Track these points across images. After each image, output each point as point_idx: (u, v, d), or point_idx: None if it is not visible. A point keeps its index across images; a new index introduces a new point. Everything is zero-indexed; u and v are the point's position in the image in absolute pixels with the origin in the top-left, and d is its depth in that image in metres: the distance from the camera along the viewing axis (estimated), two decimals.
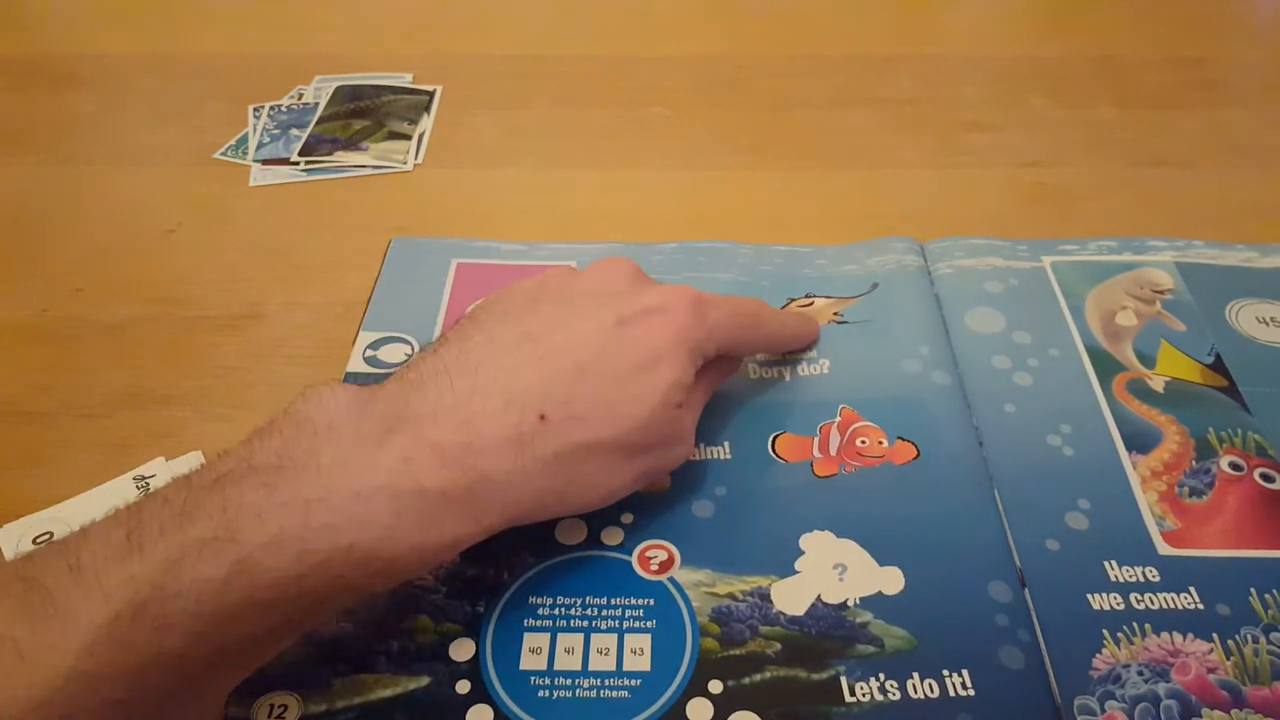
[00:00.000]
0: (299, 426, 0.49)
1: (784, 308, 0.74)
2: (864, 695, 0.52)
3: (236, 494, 0.45)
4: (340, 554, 0.45)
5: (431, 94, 1.00)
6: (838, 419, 0.66)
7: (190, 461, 0.64)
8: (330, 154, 0.92)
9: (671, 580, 0.57)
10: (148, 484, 0.63)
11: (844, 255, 0.79)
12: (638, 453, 0.55)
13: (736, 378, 0.69)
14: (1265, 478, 0.62)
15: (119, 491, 0.63)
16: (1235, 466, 0.63)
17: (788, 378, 0.69)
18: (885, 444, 0.64)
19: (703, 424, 0.63)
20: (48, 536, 0.60)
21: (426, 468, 0.48)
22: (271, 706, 0.52)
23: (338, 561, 0.45)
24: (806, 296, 0.75)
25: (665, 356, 0.55)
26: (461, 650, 0.54)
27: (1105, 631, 0.54)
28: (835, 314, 0.73)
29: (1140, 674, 0.52)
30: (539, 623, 0.55)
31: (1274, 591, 0.56)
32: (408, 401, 0.51)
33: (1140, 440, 0.64)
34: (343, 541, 0.45)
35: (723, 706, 0.52)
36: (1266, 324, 0.72)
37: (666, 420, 0.55)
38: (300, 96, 1.00)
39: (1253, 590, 0.56)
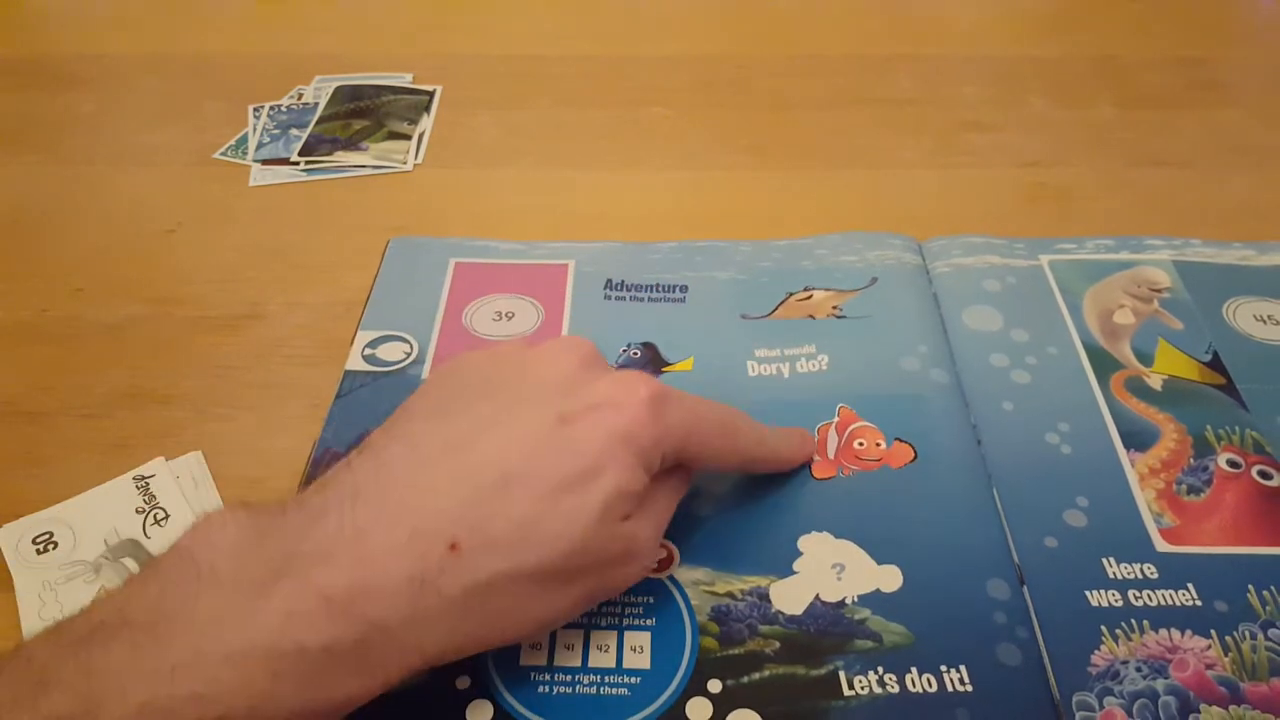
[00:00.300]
0: (182, 568, 0.44)
1: (783, 302, 0.74)
2: (862, 688, 0.52)
3: (103, 657, 0.41)
4: None
5: (431, 94, 1.00)
6: (836, 419, 0.66)
7: (190, 462, 0.65)
8: (330, 154, 0.92)
9: (671, 579, 0.57)
10: (147, 484, 0.63)
11: (843, 245, 0.79)
12: (574, 577, 0.49)
13: (734, 373, 0.69)
14: (1263, 475, 0.62)
15: (119, 491, 0.63)
16: (1233, 464, 0.63)
17: (786, 375, 0.69)
18: (883, 446, 0.64)
19: None
20: (47, 536, 0.60)
21: (311, 621, 0.43)
22: None
23: None
24: (805, 290, 0.75)
25: (608, 462, 0.49)
26: None
27: (1103, 628, 0.54)
28: (834, 308, 0.73)
29: (1138, 670, 0.52)
30: None
31: (1272, 588, 0.56)
32: (303, 536, 0.45)
33: (1138, 438, 0.64)
34: (212, 713, 0.40)
35: (722, 705, 0.52)
36: (1264, 322, 0.72)
37: (607, 538, 0.49)
38: (300, 96, 1.00)
39: (1250, 587, 0.56)
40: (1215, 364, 0.69)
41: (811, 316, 0.73)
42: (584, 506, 0.48)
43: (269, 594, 0.43)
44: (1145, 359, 0.69)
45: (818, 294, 0.75)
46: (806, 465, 0.63)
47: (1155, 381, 0.68)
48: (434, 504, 0.47)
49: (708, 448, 0.56)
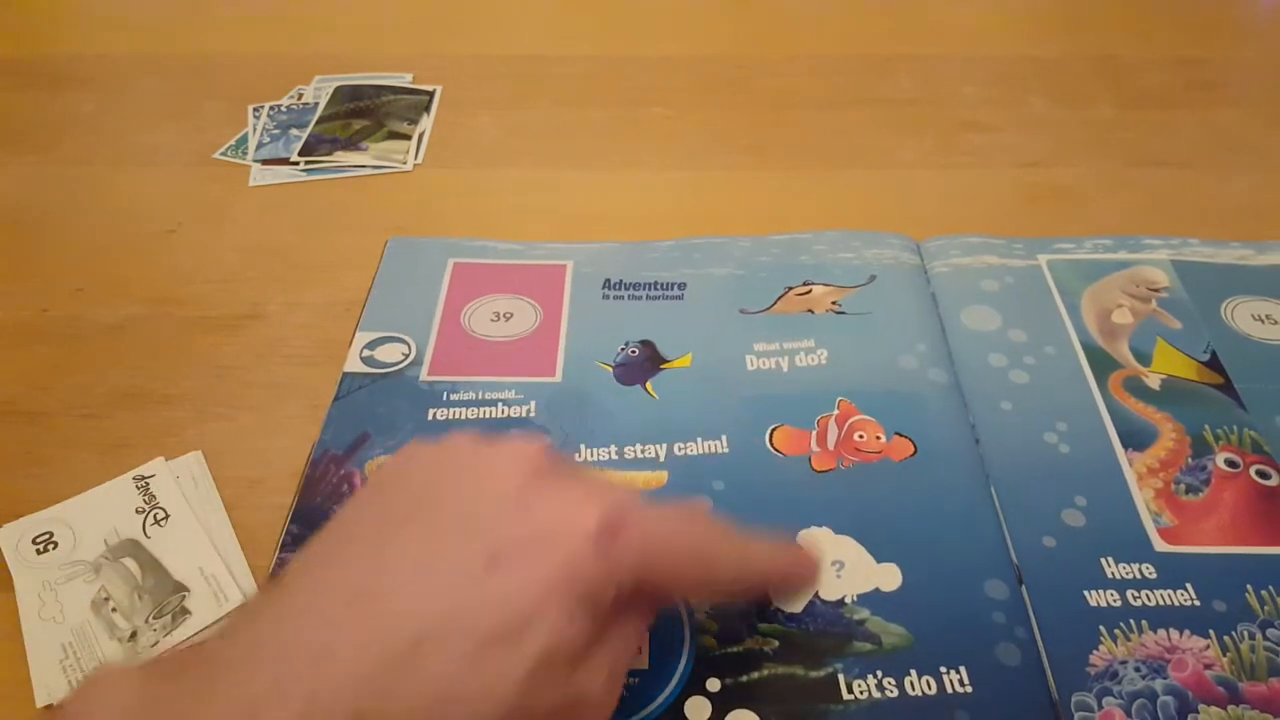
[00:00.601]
0: None
1: (783, 296, 0.75)
2: (861, 692, 0.52)
3: None
4: None
5: (431, 94, 1.00)
6: (836, 411, 0.66)
7: (190, 462, 0.65)
8: (330, 154, 0.92)
9: None
10: (147, 484, 0.63)
11: (841, 242, 0.79)
12: None
13: (733, 368, 0.69)
14: (1261, 474, 0.62)
15: (119, 491, 0.63)
16: (1231, 463, 0.63)
17: (785, 368, 0.69)
18: (883, 439, 0.64)
19: (702, 416, 0.63)
20: (47, 536, 0.60)
21: None
22: None
23: None
24: (805, 284, 0.75)
25: (542, 611, 0.42)
26: None
27: (1102, 628, 0.54)
28: (833, 303, 0.74)
29: (1137, 670, 0.53)
30: None
31: (1270, 588, 0.56)
32: (193, 710, 0.39)
33: (1136, 437, 0.64)
34: None
35: (721, 704, 0.52)
36: (1262, 321, 0.72)
37: (547, 698, 0.42)
38: (300, 96, 1.00)
39: (1249, 587, 0.56)
40: (1213, 363, 0.69)
41: (811, 311, 0.73)
42: (511, 667, 0.41)
43: None
44: (1143, 358, 0.69)
45: (817, 289, 0.75)
46: (806, 456, 0.64)
47: (1153, 381, 0.68)
48: (334, 674, 0.40)
49: (676, 579, 0.50)
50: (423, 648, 0.40)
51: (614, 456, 0.64)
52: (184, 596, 0.57)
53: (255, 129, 0.95)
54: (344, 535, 0.47)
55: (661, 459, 0.64)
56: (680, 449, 0.64)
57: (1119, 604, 0.55)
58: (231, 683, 0.40)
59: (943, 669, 0.53)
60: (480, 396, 0.68)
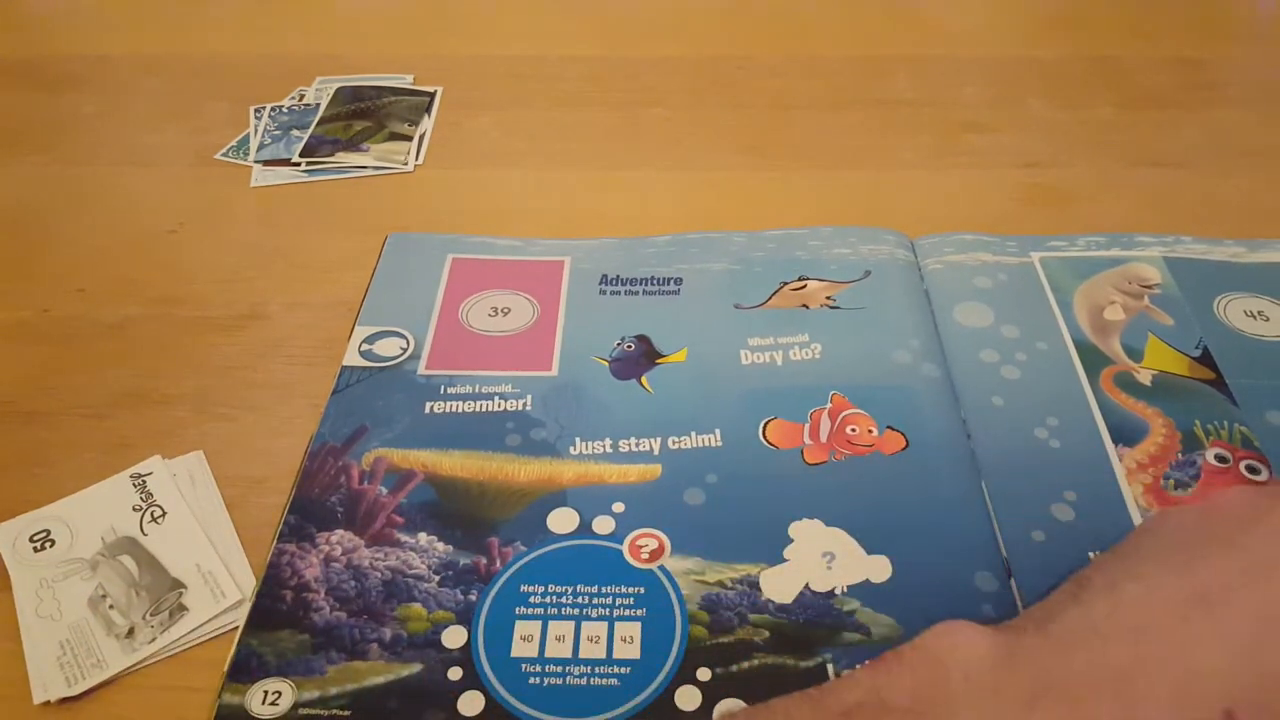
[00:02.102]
0: (932, 669, 0.44)
1: (778, 291, 0.75)
2: None
3: None
4: None
5: (432, 95, 1.01)
6: (829, 405, 0.66)
7: (188, 460, 0.65)
8: (331, 155, 0.92)
9: (661, 569, 0.58)
10: (144, 481, 0.64)
11: (836, 238, 0.80)
12: None
13: (727, 362, 0.70)
14: (1251, 469, 0.62)
15: (116, 489, 0.63)
16: (1221, 459, 0.63)
17: (780, 362, 0.70)
18: (875, 433, 0.64)
19: (696, 411, 0.65)
20: (44, 534, 0.61)
21: None
22: (265, 693, 0.52)
23: None
24: (800, 279, 0.76)
25: None
26: (453, 638, 0.55)
27: None
28: (828, 298, 0.74)
29: None
30: (530, 611, 0.56)
31: None
32: (1055, 664, 0.43)
33: (1127, 433, 0.65)
34: None
35: (711, 694, 0.52)
36: (1254, 317, 0.72)
37: None
38: (301, 97, 1.00)
39: None
40: (1205, 359, 0.69)
41: (805, 306, 0.74)
42: None
43: (1030, 711, 0.42)
44: (1135, 354, 0.70)
45: (812, 283, 0.75)
46: (799, 449, 0.64)
47: (1144, 377, 0.68)
48: (1196, 663, 0.42)
49: None
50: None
51: (609, 450, 0.64)
52: (181, 593, 0.57)
53: (257, 130, 0.96)
54: (1138, 555, 0.49)
55: (656, 452, 0.64)
56: (674, 443, 0.65)
57: None
58: (1088, 652, 0.43)
59: None
60: (477, 390, 0.69)
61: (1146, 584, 0.45)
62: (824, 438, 0.64)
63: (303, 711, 0.52)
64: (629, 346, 0.71)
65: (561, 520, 0.61)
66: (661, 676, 0.53)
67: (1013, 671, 0.43)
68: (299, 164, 0.91)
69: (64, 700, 0.53)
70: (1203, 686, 0.41)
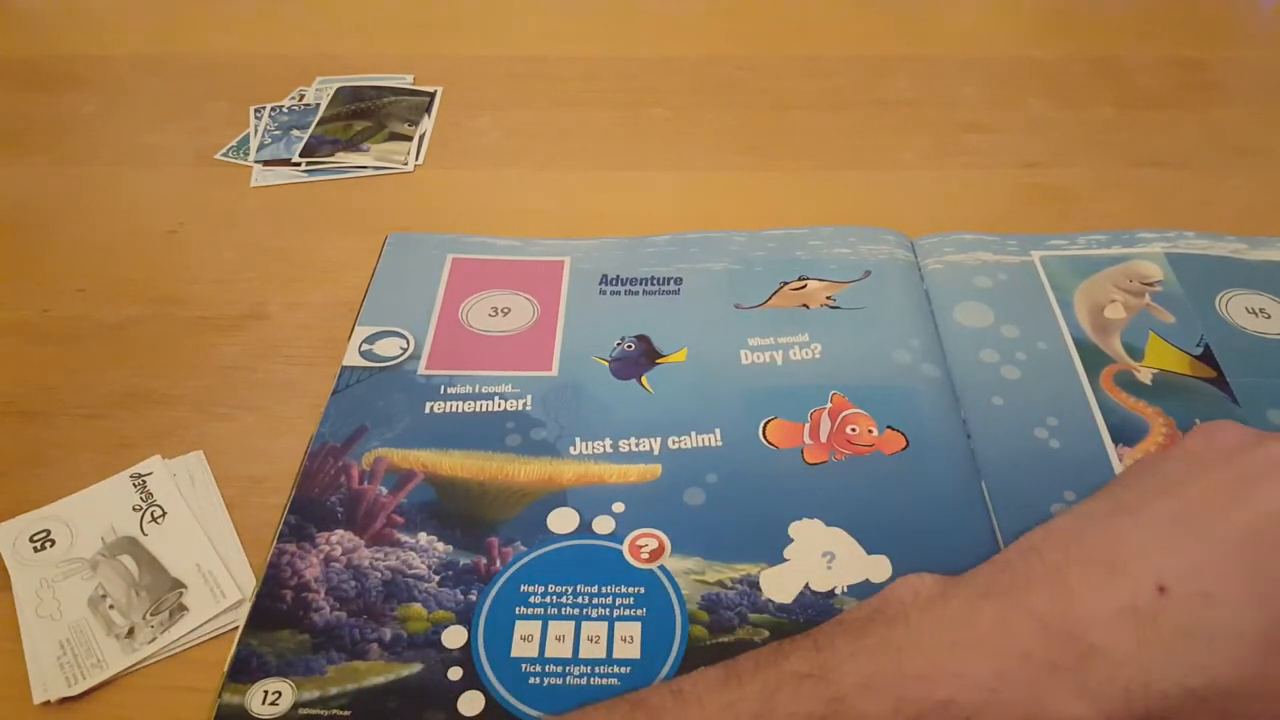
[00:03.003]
0: (885, 599, 0.48)
1: (778, 291, 0.75)
2: None
3: (826, 637, 0.46)
4: (937, 710, 0.43)
5: (432, 95, 1.01)
6: (829, 405, 0.66)
7: (188, 460, 0.65)
8: (331, 155, 0.92)
9: (662, 568, 0.58)
10: (144, 481, 0.64)
11: (836, 237, 0.80)
12: None
13: (728, 362, 0.70)
14: None
15: (116, 489, 0.63)
16: None
17: (780, 362, 0.70)
18: (875, 433, 0.64)
19: (696, 410, 0.65)
20: (44, 534, 0.61)
21: (1028, 633, 0.44)
22: (265, 693, 0.52)
23: (934, 718, 0.43)
24: (800, 279, 0.76)
25: None
26: (453, 638, 0.55)
27: None
28: (828, 298, 0.74)
29: None
30: (530, 611, 0.56)
31: None
32: (997, 573, 0.47)
33: (1127, 432, 0.65)
34: (939, 695, 0.43)
35: None
36: (1256, 314, 0.72)
37: None
38: (301, 97, 1.00)
39: None
40: (1206, 357, 0.69)
41: (805, 306, 0.74)
42: None
43: (978, 609, 0.45)
44: (1135, 353, 0.70)
45: (812, 283, 0.75)
46: (799, 449, 0.64)
47: (1145, 376, 0.68)
48: (1123, 549, 0.46)
49: None
50: (1204, 540, 0.45)
51: (608, 450, 0.64)
52: (181, 593, 0.57)
53: (257, 130, 0.96)
54: (1126, 478, 0.53)
55: (656, 452, 0.64)
56: (675, 442, 0.65)
57: None
58: (1024, 563, 0.47)
59: None
60: (477, 390, 0.69)
61: (1073, 512, 0.50)
62: (824, 438, 0.64)
63: (303, 711, 0.52)
64: (629, 346, 0.71)
65: (561, 520, 0.61)
66: (661, 676, 0.53)
67: (958, 587, 0.47)
68: (299, 164, 0.91)
69: (64, 700, 0.53)
70: (1131, 566, 0.45)
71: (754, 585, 0.57)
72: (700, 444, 0.65)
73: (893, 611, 0.47)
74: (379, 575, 0.58)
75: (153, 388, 0.71)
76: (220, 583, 0.58)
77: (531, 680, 0.53)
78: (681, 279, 0.77)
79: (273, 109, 0.99)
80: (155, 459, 0.65)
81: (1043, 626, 0.44)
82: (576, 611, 0.56)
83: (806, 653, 0.45)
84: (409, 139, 0.95)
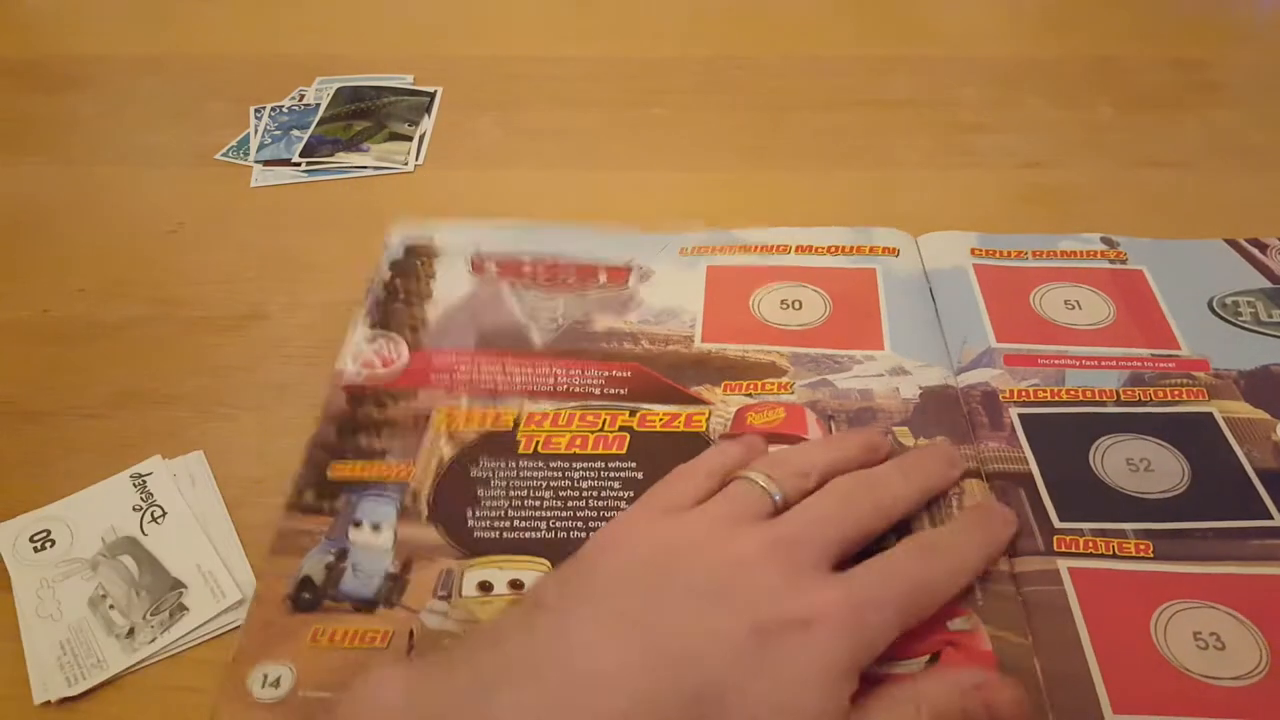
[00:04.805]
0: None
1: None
2: None
3: None
4: None
5: (432, 95, 1.01)
6: None
7: (189, 460, 0.65)
8: (331, 155, 0.92)
9: None
10: (144, 481, 0.63)
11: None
12: None
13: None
14: None
15: (116, 489, 0.63)
16: None
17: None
18: None
19: None
20: (44, 534, 0.61)
21: None
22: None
23: None
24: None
25: (810, 692, 0.44)
26: None
27: None
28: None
29: None
30: None
31: None
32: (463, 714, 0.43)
33: None
34: None
35: None
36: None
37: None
38: (301, 97, 1.00)
39: None
40: None
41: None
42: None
43: None
44: None
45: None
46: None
47: None
48: (608, 704, 0.42)
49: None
50: (701, 702, 0.42)
51: None
52: (181, 593, 0.57)
53: (257, 130, 0.96)
54: (617, 568, 0.49)
55: None
56: None
57: None
58: (511, 698, 0.42)
59: None
60: None
61: (592, 614, 0.46)
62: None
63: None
64: None
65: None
66: None
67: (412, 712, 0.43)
68: (299, 164, 0.91)
69: (64, 700, 0.53)
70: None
71: None
72: None
73: None
74: None
75: (153, 388, 0.71)
76: (220, 583, 0.58)
77: None
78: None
79: (273, 109, 0.99)
80: (155, 459, 0.65)
81: None
82: None
83: None
84: (409, 139, 0.95)
